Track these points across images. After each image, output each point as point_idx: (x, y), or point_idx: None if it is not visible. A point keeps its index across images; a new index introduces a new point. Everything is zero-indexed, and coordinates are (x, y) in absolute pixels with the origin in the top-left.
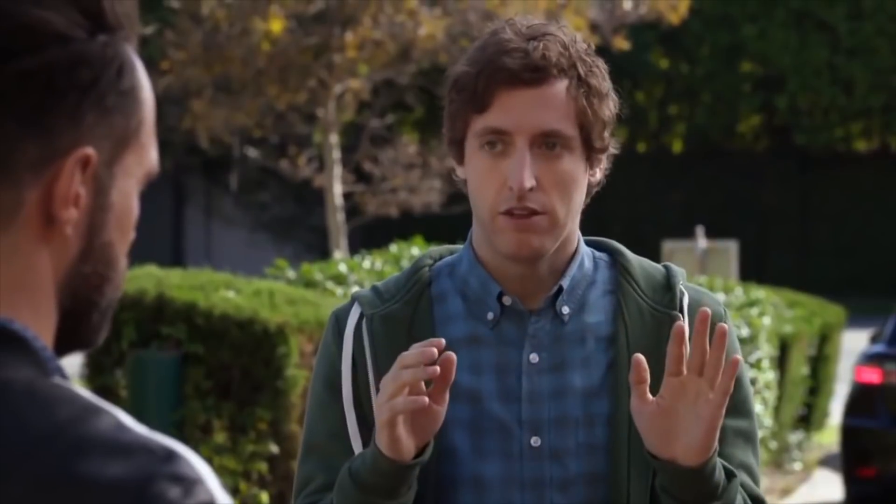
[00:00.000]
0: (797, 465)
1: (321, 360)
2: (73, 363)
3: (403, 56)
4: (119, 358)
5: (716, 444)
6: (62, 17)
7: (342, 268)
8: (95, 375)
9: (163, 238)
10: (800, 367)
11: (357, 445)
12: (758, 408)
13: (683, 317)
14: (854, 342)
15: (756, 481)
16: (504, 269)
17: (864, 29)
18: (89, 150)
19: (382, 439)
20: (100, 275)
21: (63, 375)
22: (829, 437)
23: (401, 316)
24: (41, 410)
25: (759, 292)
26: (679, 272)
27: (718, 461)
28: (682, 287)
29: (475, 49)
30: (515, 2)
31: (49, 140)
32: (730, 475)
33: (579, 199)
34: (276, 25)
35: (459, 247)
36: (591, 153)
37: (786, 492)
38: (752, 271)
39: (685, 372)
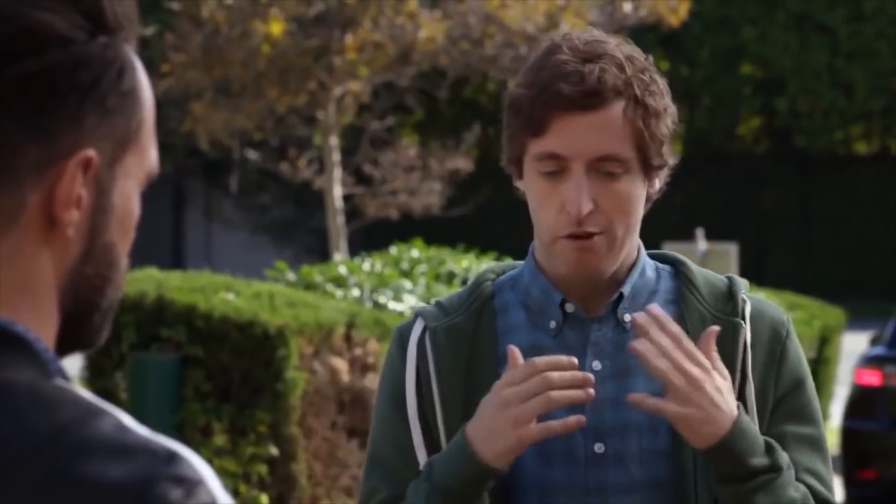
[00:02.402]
0: None
1: (385, 373)
2: (73, 365)
3: (403, 58)
4: (119, 360)
5: (724, 422)
6: (63, 19)
7: (342, 270)
8: (95, 378)
9: (163, 240)
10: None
11: (423, 458)
12: None
13: (745, 325)
14: (854, 344)
15: (827, 487)
16: (566, 278)
17: (865, 32)
18: (91, 152)
19: (498, 455)
20: (101, 276)
21: (65, 377)
22: (829, 439)
23: (464, 328)
24: (43, 412)
25: (759, 295)
26: (742, 282)
27: (757, 442)
28: (744, 296)
29: (531, 69)
30: (516, 4)
31: (50, 142)
32: (776, 458)
33: (638, 215)
34: (276, 28)
35: (521, 263)
36: (649, 170)
37: None
38: (752, 274)
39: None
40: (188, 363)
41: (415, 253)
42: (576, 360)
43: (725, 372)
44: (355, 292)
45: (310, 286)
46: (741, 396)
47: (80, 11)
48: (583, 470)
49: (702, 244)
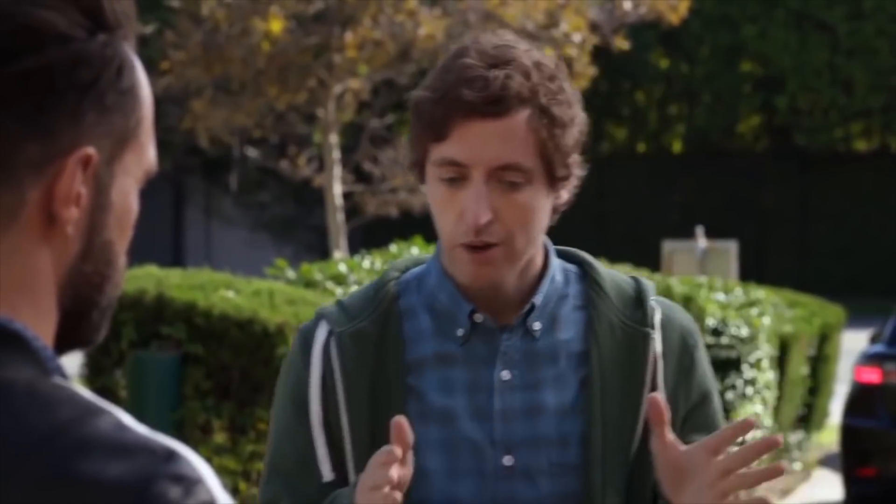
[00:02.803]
0: (797, 465)
1: (287, 378)
2: (72, 363)
3: (403, 56)
4: (119, 358)
5: None
6: (62, 17)
7: (342, 268)
8: (95, 376)
9: (162, 238)
10: (800, 367)
11: (326, 469)
12: (758, 408)
13: (656, 334)
14: (854, 342)
15: None
16: (467, 287)
17: (864, 29)
18: (90, 150)
19: None
20: (100, 274)
21: (63, 375)
22: (829, 437)
23: (370, 333)
24: (42, 411)
25: (759, 292)
26: (650, 286)
27: None
28: (653, 302)
29: (438, 72)
30: (516, 2)
31: (50, 140)
32: None
33: (541, 226)
34: (276, 25)
35: (426, 257)
36: (553, 182)
37: (785, 492)
38: (751, 271)
39: (718, 458)
40: (188, 361)
41: (415, 251)
42: (403, 422)
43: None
44: (355, 290)
45: (310, 284)
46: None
47: (79, 9)
48: (491, 484)
49: (701, 242)
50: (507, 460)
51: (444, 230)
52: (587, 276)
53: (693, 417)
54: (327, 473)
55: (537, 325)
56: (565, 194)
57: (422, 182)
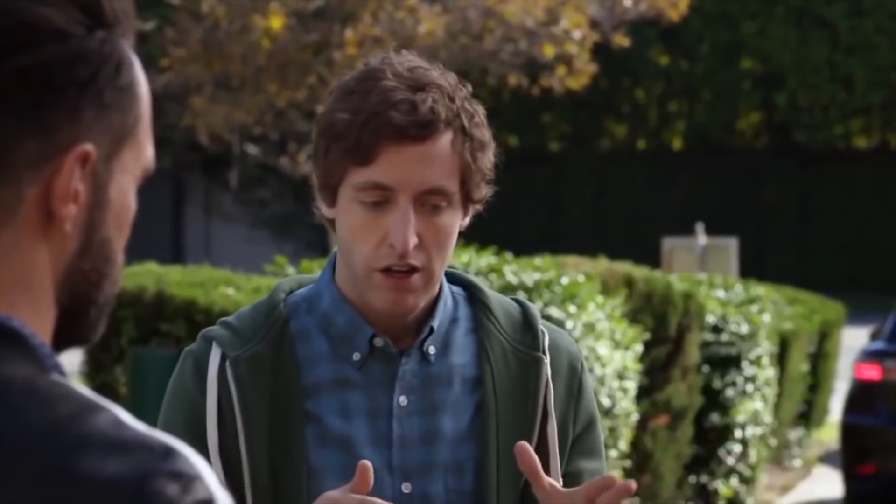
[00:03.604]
0: (797, 462)
1: (177, 403)
2: (72, 360)
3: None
4: (119, 355)
5: None
6: (61, 14)
7: None
8: (95, 372)
9: (162, 235)
10: (800, 364)
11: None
12: (758, 405)
13: (546, 357)
14: (854, 339)
15: None
16: (376, 312)
17: (864, 26)
18: (88, 147)
19: None
20: (98, 271)
21: (61, 372)
22: (829, 433)
23: (265, 357)
24: (39, 408)
25: (759, 289)
26: (536, 310)
27: None
28: (541, 326)
29: (354, 93)
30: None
31: (48, 137)
32: None
33: (452, 250)
34: (276, 22)
35: (309, 277)
36: (467, 204)
37: (785, 489)
38: (751, 268)
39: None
40: None
41: None
42: (369, 467)
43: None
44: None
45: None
46: (542, 435)
47: (77, 6)
48: None
49: (702, 239)
50: (406, 487)
51: (359, 254)
52: (475, 299)
53: (580, 442)
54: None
55: (432, 349)
56: (468, 218)
57: (330, 205)
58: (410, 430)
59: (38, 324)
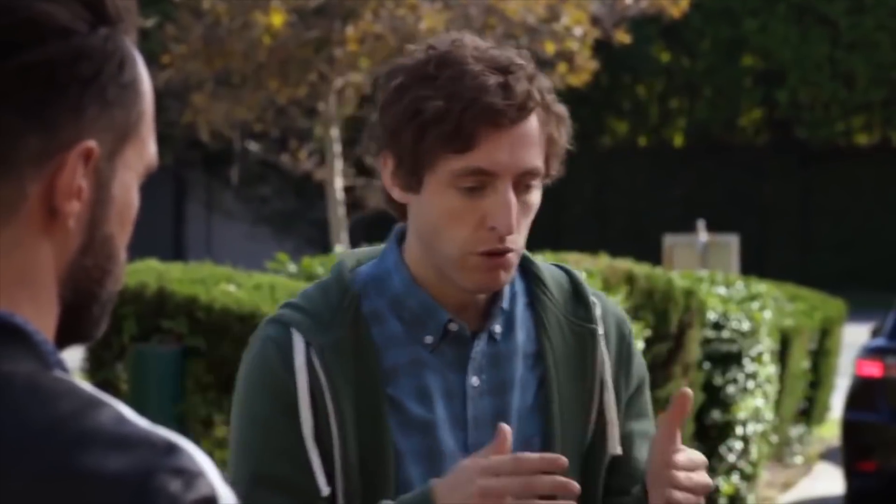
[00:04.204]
0: (798, 459)
1: (267, 391)
2: (73, 357)
3: (404, 50)
4: (120, 352)
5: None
6: (64, 10)
7: None
8: (96, 370)
9: (164, 232)
10: (801, 361)
11: (322, 482)
12: (759, 401)
13: (600, 328)
14: (855, 336)
15: None
16: (448, 292)
17: (865, 23)
18: (91, 143)
19: None
20: (101, 268)
21: (64, 369)
22: (830, 430)
23: (347, 341)
24: (42, 404)
25: (760, 286)
26: (582, 277)
27: None
28: (592, 297)
29: (438, 79)
30: None
31: (51, 133)
32: None
33: None
34: (277, 19)
35: (366, 252)
36: (545, 179)
37: (787, 486)
38: (752, 265)
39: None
40: (189, 355)
41: None
42: (565, 460)
43: (694, 454)
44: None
45: (311, 278)
46: (601, 405)
47: (81, 3)
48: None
49: (703, 236)
50: None
51: (453, 239)
52: (528, 271)
53: (631, 405)
54: (324, 487)
55: (498, 329)
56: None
57: (414, 191)
58: (483, 410)
59: (41, 321)
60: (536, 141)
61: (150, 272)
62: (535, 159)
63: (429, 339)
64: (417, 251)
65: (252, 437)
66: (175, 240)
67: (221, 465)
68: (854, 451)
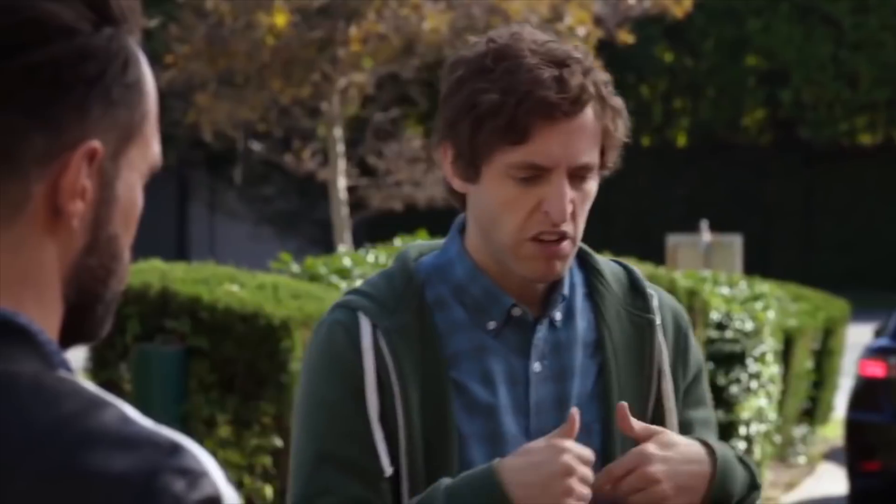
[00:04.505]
0: (801, 459)
1: (334, 373)
2: (76, 357)
3: (408, 50)
4: (123, 352)
5: (699, 486)
6: (68, 10)
7: (346, 262)
8: (99, 369)
9: (167, 232)
10: (804, 361)
11: (385, 463)
12: (762, 402)
13: (658, 318)
14: (858, 336)
15: None
16: (509, 280)
17: (869, 23)
18: (96, 143)
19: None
20: (105, 268)
21: (68, 368)
22: (834, 431)
23: (412, 327)
24: (46, 404)
25: (764, 286)
26: (639, 271)
27: (736, 471)
28: (650, 289)
29: (494, 72)
30: None
31: (56, 133)
32: (754, 474)
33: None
34: (281, 19)
35: (429, 244)
36: (601, 171)
37: (790, 486)
38: (756, 265)
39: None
40: (192, 355)
41: None
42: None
43: (662, 431)
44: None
45: (314, 278)
46: (659, 393)
47: (85, 3)
48: None
49: (706, 236)
50: None
51: (508, 225)
52: (587, 264)
53: (689, 394)
54: (387, 467)
55: (558, 316)
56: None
57: (472, 181)
58: (545, 395)
59: (45, 320)
60: (591, 134)
61: (154, 272)
62: (589, 153)
63: (492, 325)
64: (478, 239)
65: (318, 419)
66: (178, 240)
67: (224, 465)
68: (857, 452)
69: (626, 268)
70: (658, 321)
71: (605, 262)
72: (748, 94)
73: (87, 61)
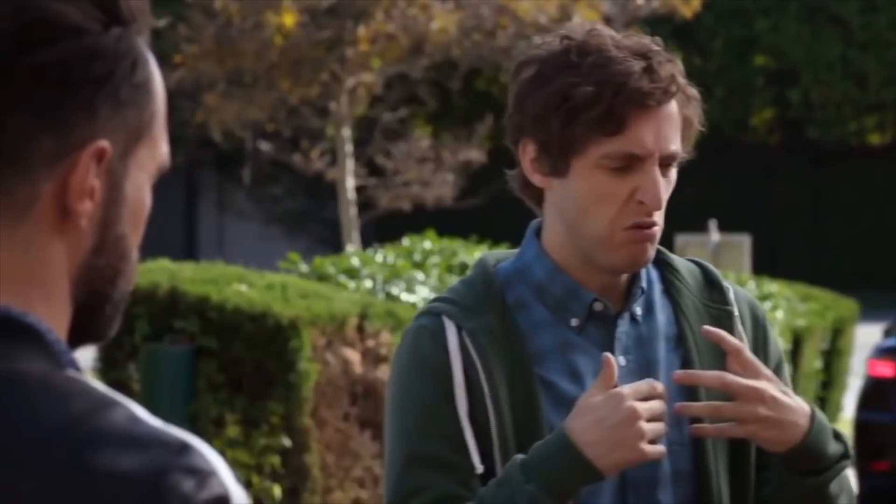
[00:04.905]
0: None
1: (424, 375)
2: (86, 357)
3: (416, 50)
4: (132, 352)
5: (801, 425)
6: (77, 10)
7: (355, 261)
8: (108, 369)
9: (175, 232)
10: (813, 361)
11: (476, 460)
12: None
13: (736, 310)
14: (867, 336)
15: None
16: (591, 276)
17: (877, 23)
18: (104, 143)
19: (615, 465)
20: (113, 268)
21: (77, 368)
22: (843, 430)
23: (496, 328)
24: (55, 403)
25: (772, 286)
26: (714, 268)
27: (829, 432)
28: (726, 282)
29: (581, 66)
30: None
31: (64, 133)
32: (846, 444)
33: None
34: (289, 19)
35: (505, 253)
36: (680, 159)
37: None
38: (764, 265)
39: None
40: (201, 354)
41: (427, 244)
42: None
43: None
44: (368, 284)
45: (322, 277)
46: None
47: (94, 3)
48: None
49: (714, 236)
50: None
51: (601, 217)
52: (661, 261)
53: None
54: (478, 465)
55: (639, 310)
56: None
57: (559, 175)
58: None
59: (54, 320)
60: (676, 123)
61: (163, 272)
62: (676, 141)
63: (574, 322)
64: (560, 236)
65: (409, 420)
66: (187, 240)
67: (233, 464)
68: (867, 452)
69: (699, 264)
70: (737, 312)
71: (679, 259)
72: (757, 93)
73: (95, 61)
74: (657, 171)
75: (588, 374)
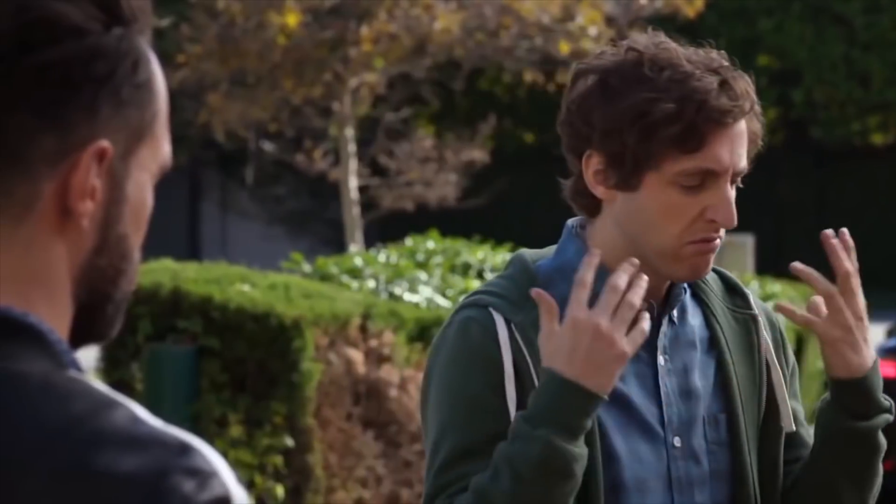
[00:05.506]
0: None
1: (475, 367)
2: (88, 357)
3: (419, 50)
4: (135, 352)
5: (869, 358)
6: (79, 10)
7: (358, 261)
8: (111, 369)
9: (178, 232)
10: (816, 361)
11: None
12: None
13: (760, 315)
14: (871, 336)
15: None
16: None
17: (881, 23)
18: (105, 143)
19: (608, 383)
20: (115, 268)
21: (78, 368)
22: None
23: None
24: (57, 403)
25: (776, 286)
26: (733, 275)
27: (882, 383)
28: (746, 289)
29: (654, 81)
30: None
31: (65, 133)
32: (890, 400)
33: None
34: (292, 19)
35: (542, 251)
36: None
37: None
38: (768, 265)
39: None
40: (204, 354)
41: (430, 244)
42: (636, 261)
43: None
44: (371, 284)
45: (325, 277)
46: (770, 384)
47: (95, 3)
48: (667, 464)
49: None
50: (677, 441)
51: (670, 231)
52: None
53: (790, 385)
54: None
55: (675, 313)
56: None
57: (628, 189)
58: (672, 387)
59: (56, 320)
60: (745, 139)
61: (165, 272)
62: (745, 158)
63: None
64: (616, 241)
65: (457, 412)
66: (190, 239)
67: (236, 464)
68: None
69: (717, 271)
70: (761, 318)
71: None
72: (760, 93)
73: (96, 61)
74: (729, 189)
75: (630, 372)
